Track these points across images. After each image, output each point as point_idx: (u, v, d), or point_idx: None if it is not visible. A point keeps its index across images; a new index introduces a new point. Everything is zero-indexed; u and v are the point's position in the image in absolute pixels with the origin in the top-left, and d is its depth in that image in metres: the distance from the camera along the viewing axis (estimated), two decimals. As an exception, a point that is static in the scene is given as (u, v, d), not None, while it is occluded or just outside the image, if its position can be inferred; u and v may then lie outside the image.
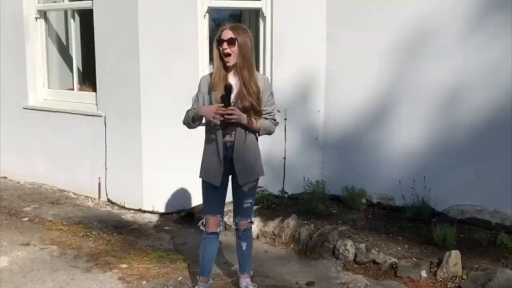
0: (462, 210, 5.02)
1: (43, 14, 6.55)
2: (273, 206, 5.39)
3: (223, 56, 3.29)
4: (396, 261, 4.10)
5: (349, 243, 4.37)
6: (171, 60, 5.41)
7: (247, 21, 6.26)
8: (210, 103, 3.36)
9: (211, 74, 3.43)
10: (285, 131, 5.66)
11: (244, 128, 3.35)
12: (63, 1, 6.39)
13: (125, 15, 5.48)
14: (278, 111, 5.62)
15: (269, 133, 3.52)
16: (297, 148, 5.75)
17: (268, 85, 3.46)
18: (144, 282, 3.97)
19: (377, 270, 4.13)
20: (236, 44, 3.25)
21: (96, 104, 5.96)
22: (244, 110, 3.30)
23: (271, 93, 3.47)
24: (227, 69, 3.34)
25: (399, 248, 4.39)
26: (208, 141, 3.47)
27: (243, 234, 3.64)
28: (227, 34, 3.26)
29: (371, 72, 5.43)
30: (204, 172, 3.49)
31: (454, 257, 3.93)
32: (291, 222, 4.81)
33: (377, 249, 4.34)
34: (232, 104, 3.26)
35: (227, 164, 3.42)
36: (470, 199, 5.06)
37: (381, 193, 5.45)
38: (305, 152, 5.79)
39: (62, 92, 6.64)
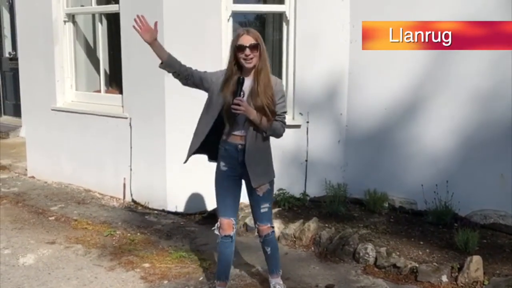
0: (485, 215, 4.98)
1: (71, 18, 6.69)
2: (295, 208, 5.41)
3: (244, 61, 3.29)
4: (417, 265, 4.08)
5: (370, 246, 4.37)
6: (195, 63, 5.39)
7: (270, 24, 6.29)
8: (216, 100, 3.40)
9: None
10: (307, 133, 5.67)
11: (254, 130, 3.36)
12: (91, 4, 6.51)
13: (151, 18, 5.47)
14: (300, 113, 5.69)
15: (277, 135, 3.47)
16: (319, 151, 5.76)
17: (280, 87, 3.43)
18: (165, 282, 4.04)
19: (397, 274, 4.11)
20: (259, 48, 3.29)
21: (122, 106, 6.07)
22: (257, 109, 3.31)
23: (283, 96, 3.44)
24: (241, 73, 3.36)
25: (420, 253, 4.38)
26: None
27: (265, 239, 3.66)
28: (248, 39, 3.27)
29: (393, 76, 5.42)
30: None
31: (475, 262, 3.90)
32: (312, 225, 4.82)
33: (398, 253, 4.33)
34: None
35: (239, 168, 3.46)
36: (494, 204, 5.02)
37: (404, 197, 5.43)
38: (327, 155, 5.79)
39: (89, 94, 6.76)
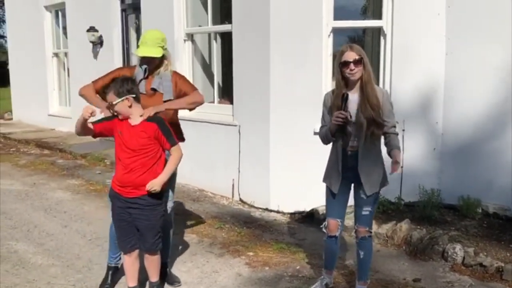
0: None
1: (190, 37, 7.50)
2: (389, 211, 5.70)
3: (349, 76, 3.56)
4: (503, 265, 4.27)
5: (458, 246, 4.60)
6: (297, 75, 5.98)
7: (369, 37, 6.67)
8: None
9: (333, 91, 3.74)
10: (403, 141, 5.92)
11: (366, 139, 3.59)
12: (207, 25, 7.28)
13: (258, 36, 6.17)
14: (397, 122, 5.98)
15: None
16: (415, 158, 5.99)
17: (387, 97, 3.67)
18: (267, 268, 4.57)
19: (483, 273, 4.32)
20: (362, 63, 3.55)
21: (232, 115, 6.73)
22: (366, 121, 3.57)
23: (390, 104, 3.69)
24: (347, 87, 3.63)
25: (508, 254, 4.54)
26: (332, 149, 3.82)
27: (361, 242, 3.81)
28: (351, 55, 3.52)
29: (488, 87, 5.58)
30: (326, 178, 3.86)
31: (561, 264, 4.03)
32: (404, 225, 5.12)
33: (485, 253, 4.52)
34: (349, 114, 3.55)
35: (349, 172, 3.69)
36: None
37: (498, 203, 5.55)
38: (423, 162, 6.03)
39: (204, 104, 7.43)
